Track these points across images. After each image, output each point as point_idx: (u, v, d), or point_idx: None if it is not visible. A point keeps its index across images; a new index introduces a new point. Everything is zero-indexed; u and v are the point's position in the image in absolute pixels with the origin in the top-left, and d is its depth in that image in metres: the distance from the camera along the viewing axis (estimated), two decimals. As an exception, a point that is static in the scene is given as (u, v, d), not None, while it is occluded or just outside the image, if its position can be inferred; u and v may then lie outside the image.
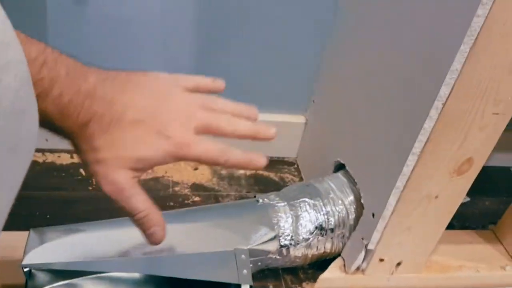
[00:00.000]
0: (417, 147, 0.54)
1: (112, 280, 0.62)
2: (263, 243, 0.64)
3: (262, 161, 0.41)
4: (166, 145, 0.36)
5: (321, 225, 0.66)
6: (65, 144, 0.94)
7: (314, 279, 0.70)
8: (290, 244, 0.65)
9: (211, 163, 0.39)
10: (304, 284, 0.70)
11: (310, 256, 0.67)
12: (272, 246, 0.65)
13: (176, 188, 0.83)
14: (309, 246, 0.66)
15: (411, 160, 0.55)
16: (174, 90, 0.40)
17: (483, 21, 0.46)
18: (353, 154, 0.69)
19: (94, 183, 0.79)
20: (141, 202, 0.37)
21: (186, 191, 0.83)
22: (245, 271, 0.60)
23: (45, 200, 0.75)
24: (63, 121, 0.34)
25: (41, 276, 0.56)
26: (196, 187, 0.84)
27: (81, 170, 0.81)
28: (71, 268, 0.56)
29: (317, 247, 0.67)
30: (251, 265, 0.62)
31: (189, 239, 0.63)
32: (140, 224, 0.38)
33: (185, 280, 0.57)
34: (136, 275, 0.62)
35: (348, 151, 0.71)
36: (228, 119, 0.40)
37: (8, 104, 0.24)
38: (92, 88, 0.35)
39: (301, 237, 0.65)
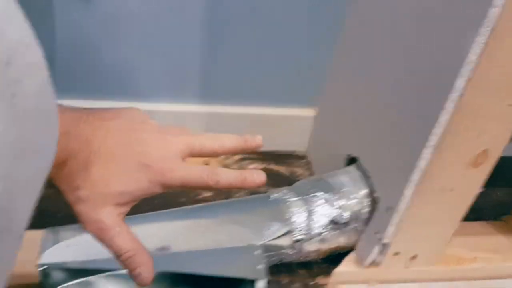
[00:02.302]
0: (433, 140, 0.54)
1: (127, 277, 0.62)
2: (276, 238, 0.64)
3: (260, 178, 0.38)
4: (148, 174, 0.35)
5: (334, 219, 0.66)
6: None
7: (328, 273, 0.70)
8: (304, 239, 0.65)
9: (200, 187, 0.37)
10: (318, 278, 0.70)
11: (323, 250, 0.67)
12: (285, 241, 0.65)
13: (187, 184, 0.82)
14: (322, 241, 0.66)
15: (426, 153, 0.55)
16: (149, 121, 0.39)
17: (499, 11, 0.45)
18: (366, 147, 0.69)
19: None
20: (126, 241, 0.35)
21: (197, 186, 0.82)
22: (260, 266, 0.60)
23: (56, 198, 0.75)
24: None
25: (56, 275, 0.56)
26: (207, 183, 0.83)
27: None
28: (85, 266, 0.56)
29: (330, 241, 0.66)
30: (264, 260, 0.62)
31: (202, 235, 0.62)
32: (126, 264, 0.36)
33: (199, 276, 0.57)
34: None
35: (360, 144, 0.70)
36: (211, 136, 0.39)
37: (31, 105, 0.24)
38: (67, 127, 0.34)
39: (314, 232, 0.65)
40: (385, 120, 0.64)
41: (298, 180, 0.85)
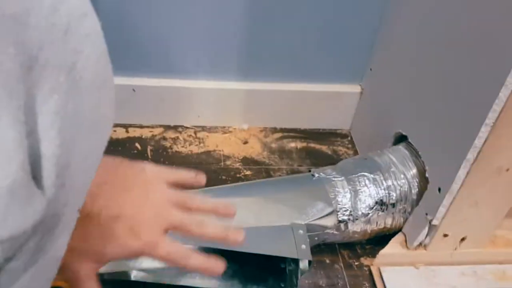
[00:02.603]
0: (491, 117, 0.51)
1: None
2: (320, 218, 0.63)
3: (219, 268, 0.41)
4: (135, 244, 0.37)
5: (381, 200, 0.64)
6: (120, 119, 0.93)
7: (372, 254, 0.68)
8: (349, 219, 0.64)
9: (173, 265, 0.40)
10: (362, 259, 0.69)
11: (369, 231, 0.65)
12: (330, 222, 0.63)
13: (228, 162, 0.82)
14: (368, 222, 0.64)
15: (483, 131, 0.52)
16: (155, 185, 0.40)
17: None
18: (417, 125, 0.66)
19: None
20: None
21: (237, 164, 0.82)
22: (303, 246, 0.59)
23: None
24: None
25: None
26: (247, 161, 0.83)
27: (137, 145, 0.82)
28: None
29: (377, 222, 0.65)
30: (308, 240, 0.61)
31: (246, 213, 0.62)
32: None
33: (240, 253, 0.57)
34: (192, 248, 0.62)
35: (410, 122, 0.67)
36: (198, 222, 0.40)
37: (90, 76, 0.23)
38: None
39: (360, 212, 0.64)
40: (439, 96, 0.61)
41: (341, 159, 0.83)
